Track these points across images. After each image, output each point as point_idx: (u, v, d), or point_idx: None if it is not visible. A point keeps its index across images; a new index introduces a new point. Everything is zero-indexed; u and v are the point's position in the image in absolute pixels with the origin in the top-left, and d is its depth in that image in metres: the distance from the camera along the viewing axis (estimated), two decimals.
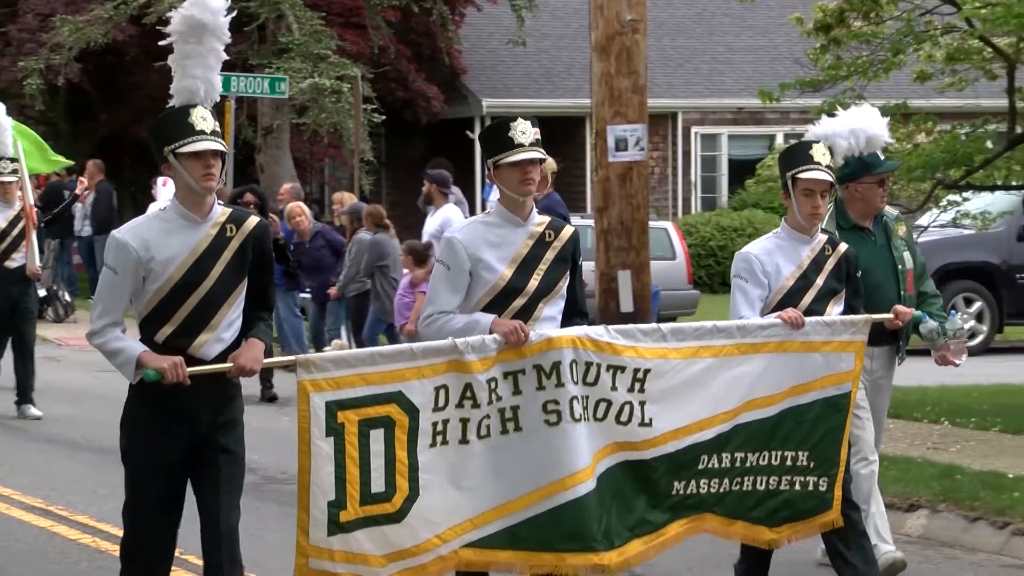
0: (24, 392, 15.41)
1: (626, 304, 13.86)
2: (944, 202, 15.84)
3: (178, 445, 6.87)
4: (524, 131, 7.35)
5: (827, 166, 7.85)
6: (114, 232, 6.88)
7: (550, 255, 7.32)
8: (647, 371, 7.26)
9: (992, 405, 14.58)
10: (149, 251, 6.75)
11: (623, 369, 7.22)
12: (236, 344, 6.92)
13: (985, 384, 16.48)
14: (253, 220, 6.98)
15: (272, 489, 11.94)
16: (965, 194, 16.05)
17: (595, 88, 14.15)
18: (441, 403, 6.96)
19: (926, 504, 10.45)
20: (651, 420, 7.27)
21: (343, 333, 19.32)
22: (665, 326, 7.47)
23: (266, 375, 16.92)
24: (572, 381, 7.09)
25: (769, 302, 7.79)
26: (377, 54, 29.93)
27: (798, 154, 8.03)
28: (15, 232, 15.00)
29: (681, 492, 7.38)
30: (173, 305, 6.78)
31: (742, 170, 29.95)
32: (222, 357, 6.86)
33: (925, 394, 15.49)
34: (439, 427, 6.96)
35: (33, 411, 15.35)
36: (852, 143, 8.41)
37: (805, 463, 7.58)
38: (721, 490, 7.47)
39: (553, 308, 7.32)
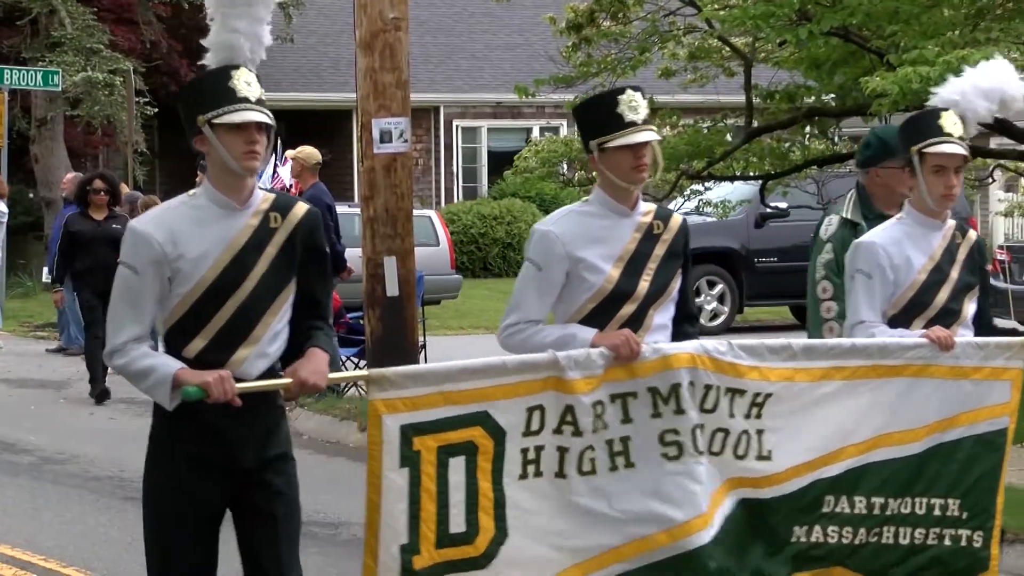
0: None
1: (392, 288, 13.86)
2: (688, 191, 16.13)
3: (219, 487, 5.30)
4: (635, 105, 5.71)
5: (959, 137, 6.38)
6: (133, 222, 5.29)
7: (660, 250, 5.85)
8: (768, 395, 5.87)
9: None
10: (176, 246, 5.16)
11: (742, 393, 5.81)
12: (284, 362, 5.37)
13: None
14: (302, 208, 5.45)
15: (49, 470, 11.73)
16: (707, 184, 16.38)
17: (360, 83, 14.11)
18: (535, 426, 5.56)
19: None
20: (770, 452, 5.86)
21: None
22: (796, 343, 6.01)
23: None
24: (692, 407, 5.69)
25: (897, 300, 6.36)
26: (149, 49, 29.51)
27: (924, 125, 6.45)
28: None
29: (803, 540, 5.96)
30: (206, 313, 5.19)
31: (501, 161, 30.14)
32: (266, 377, 5.28)
33: None
34: (531, 455, 5.56)
35: None
36: (988, 107, 6.61)
37: (956, 513, 6.12)
38: (855, 541, 6.00)
39: (664, 314, 5.86)
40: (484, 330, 22.89)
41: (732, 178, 15.58)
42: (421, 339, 14.42)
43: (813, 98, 14.29)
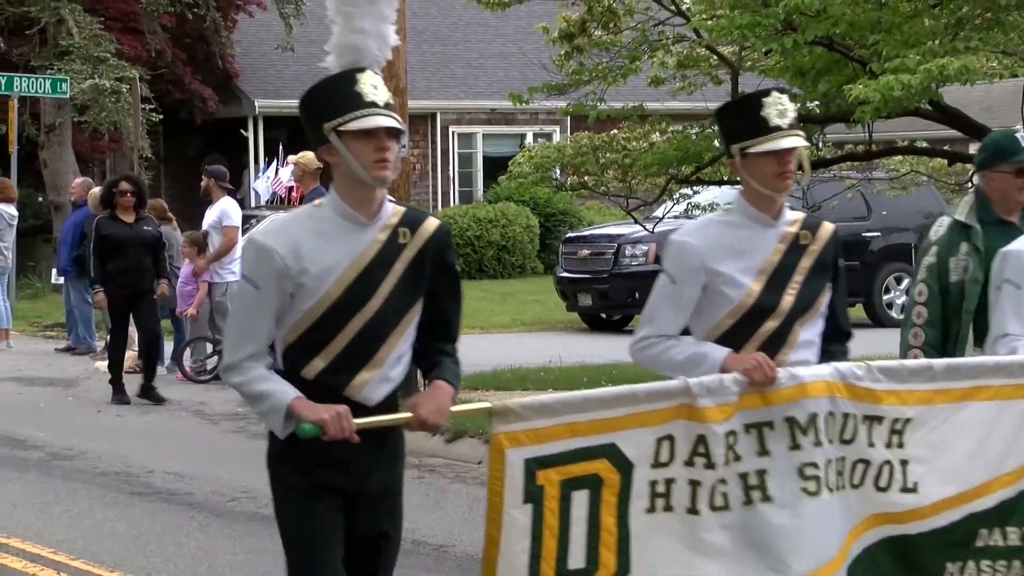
0: None
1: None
2: (677, 195, 16.13)
3: (339, 510, 4.89)
4: (782, 108, 5.23)
5: None
6: (252, 234, 4.87)
7: (807, 262, 5.29)
8: (907, 421, 5.34)
9: None
10: (300, 260, 4.73)
11: (880, 420, 5.31)
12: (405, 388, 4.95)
13: None
14: (432, 223, 4.94)
15: (59, 465, 11.73)
16: (696, 188, 16.38)
17: None
18: (664, 458, 5.11)
19: None
20: (916, 484, 5.32)
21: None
22: (937, 363, 5.52)
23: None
24: (828, 439, 5.21)
25: None
26: (154, 57, 29.50)
27: None
28: None
29: None
30: (328, 332, 4.76)
31: (496, 166, 30.11)
32: (388, 403, 4.85)
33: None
34: (660, 487, 5.10)
35: None
36: None
37: None
38: (1010, 575, 5.46)
39: (811, 330, 5.32)
40: (480, 330, 22.89)
41: (720, 182, 15.57)
42: None
43: (798, 105, 14.30)
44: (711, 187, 16.78)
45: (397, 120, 4.74)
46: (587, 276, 22.78)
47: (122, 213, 15.04)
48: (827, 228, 5.36)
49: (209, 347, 16.96)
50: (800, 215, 5.40)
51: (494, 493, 4.95)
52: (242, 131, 32.39)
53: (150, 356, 15.24)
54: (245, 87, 32.93)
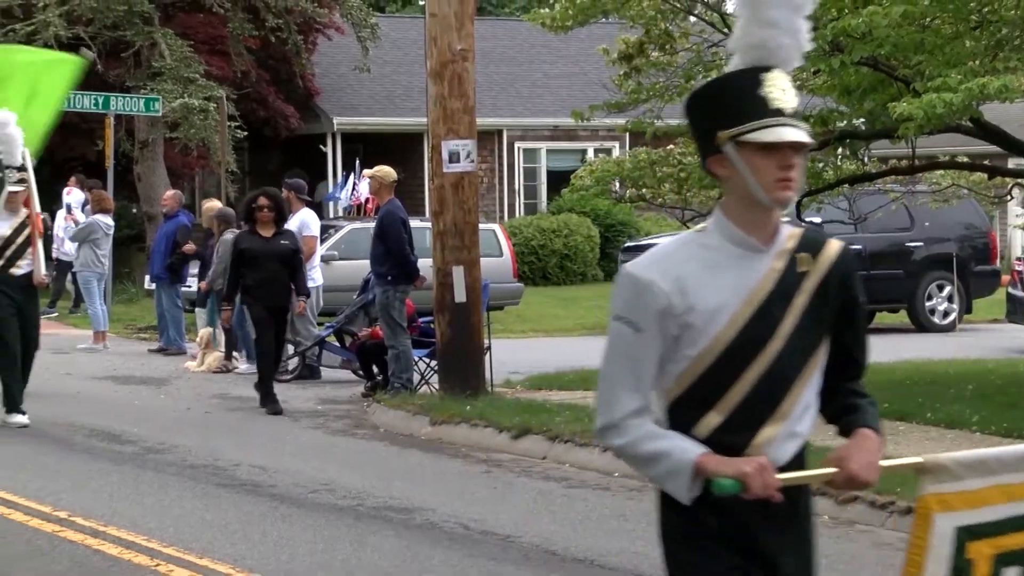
0: (12, 400, 13.18)
1: (460, 295, 13.91)
2: None
3: None
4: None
5: None
6: (629, 267, 3.86)
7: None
8: None
9: None
10: (685, 296, 3.75)
11: None
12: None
13: None
14: (835, 246, 3.89)
15: (151, 459, 11.81)
16: None
17: (431, 108, 14.17)
18: None
19: None
20: None
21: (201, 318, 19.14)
22: None
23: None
24: None
25: None
26: (240, 77, 29.68)
27: None
28: (20, 240, 13.19)
29: None
30: (723, 381, 3.76)
31: (558, 180, 30.11)
32: (797, 462, 3.83)
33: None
34: None
35: (19, 419, 13.08)
36: None
37: None
38: None
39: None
40: (544, 334, 22.91)
41: None
42: (486, 342, 14.44)
43: (845, 122, 14.23)
44: None
45: (807, 132, 3.76)
46: None
47: (261, 228, 14.48)
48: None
49: (290, 349, 17.03)
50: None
51: (913, 563, 4.00)
52: (321, 146, 32.53)
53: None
54: (324, 105, 33.08)
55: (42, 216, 13.75)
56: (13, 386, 13.15)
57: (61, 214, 24.74)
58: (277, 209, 14.57)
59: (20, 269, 13.21)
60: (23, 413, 13.11)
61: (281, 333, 14.75)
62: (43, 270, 13.34)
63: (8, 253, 13.17)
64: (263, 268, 14.29)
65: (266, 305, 14.32)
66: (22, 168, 13.26)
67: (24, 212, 13.30)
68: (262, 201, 14.54)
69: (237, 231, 18.36)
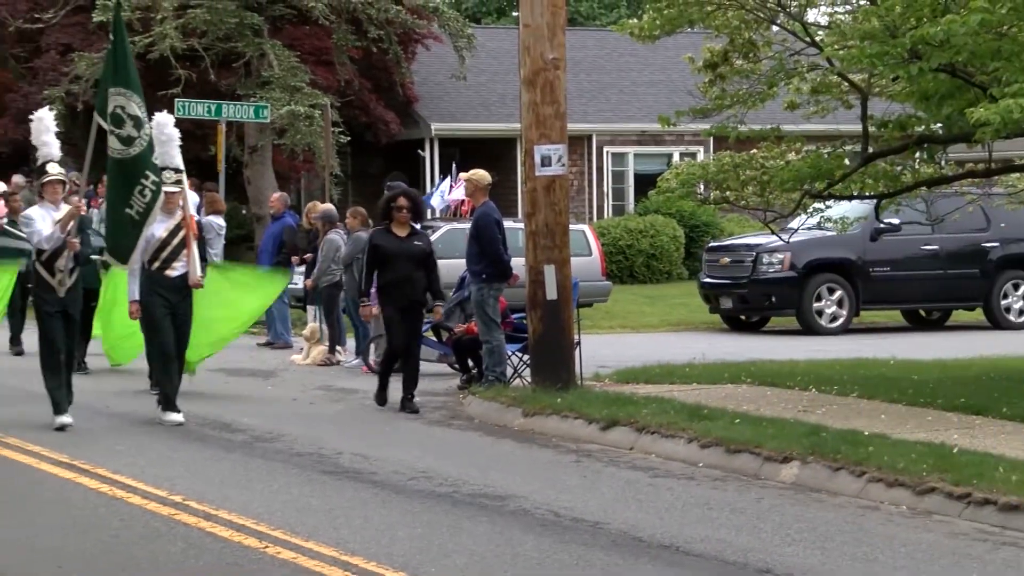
0: (167, 399, 12.99)
1: (551, 293, 13.90)
2: (811, 209, 15.93)
3: None
4: None
5: None
6: None
7: None
8: None
9: (851, 376, 14.70)
10: None
11: None
12: None
13: (845, 358, 16.60)
14: None
15: (260, 447, 11.91)
16: (828, 202, 16.16)
17: (524, 114, 14.17)
18: None
19: (797, 457, 10.52)
20: None
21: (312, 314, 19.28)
22: None
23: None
24: None
25: None
26: (343, 86, 29.87)
27: None
28: (175, 242, 12.88)
29: None
30: None
31: (645, 182, 30.01)
32: None
33: (795, 367, 15.60)
34: None
35: (174, 417, 12.88)
36: None
37: None
38: None
39: None
40: (631, 330, 22.84)
41: (850, 197, 15.35)
42: (576, 337, 14.42)
43: (923, 127, 14.05)
44: (842, 202, 16.55)
45: None
46: (728, 281, 22.62)
47: (396, 227, 13.88)
48: None
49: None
50: None
51: None
52: (419, 151, 32.65)
53: (408, 369, 14.00)
54: (422, 112, 33.19)
55: (196, 219, 13.49)
56: (167, 386, 13.01)
57: None
58: (415, 210, 14.11)
59: (175, 271, 12.93)
60: (178, 411, 12.91)
61: (415, 333, 14.11)
62: (198, 272, 13.01)
63: (164, 255, 12.90)
64: (396, 268, 13.76)
65: (398, 305, 13.78)
66: (178, 170, 13.04)
67: (179, 215, 13.00)
68: (401, 201, 13.93)
69: (341, 230, 18.54)
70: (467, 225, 16.30)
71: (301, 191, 34.27)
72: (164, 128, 13.16)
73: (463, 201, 25.64)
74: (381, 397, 14.14)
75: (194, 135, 27.87)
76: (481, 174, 15.68)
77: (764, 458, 10.64)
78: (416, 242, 13.96)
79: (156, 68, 27.23)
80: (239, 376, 16.84)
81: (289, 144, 27.77)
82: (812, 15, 14.93)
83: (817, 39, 14.14)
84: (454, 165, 28.74)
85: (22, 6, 30.05)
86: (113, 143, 12.98)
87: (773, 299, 22.19)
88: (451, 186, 27.54)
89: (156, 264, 12.96)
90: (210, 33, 27.58)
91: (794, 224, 17.42)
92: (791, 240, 18.80)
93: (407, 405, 13.85)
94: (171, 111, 15.56)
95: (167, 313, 12.94)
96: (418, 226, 14.30)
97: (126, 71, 12.94)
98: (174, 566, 7.93)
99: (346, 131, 28.72)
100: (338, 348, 18.30)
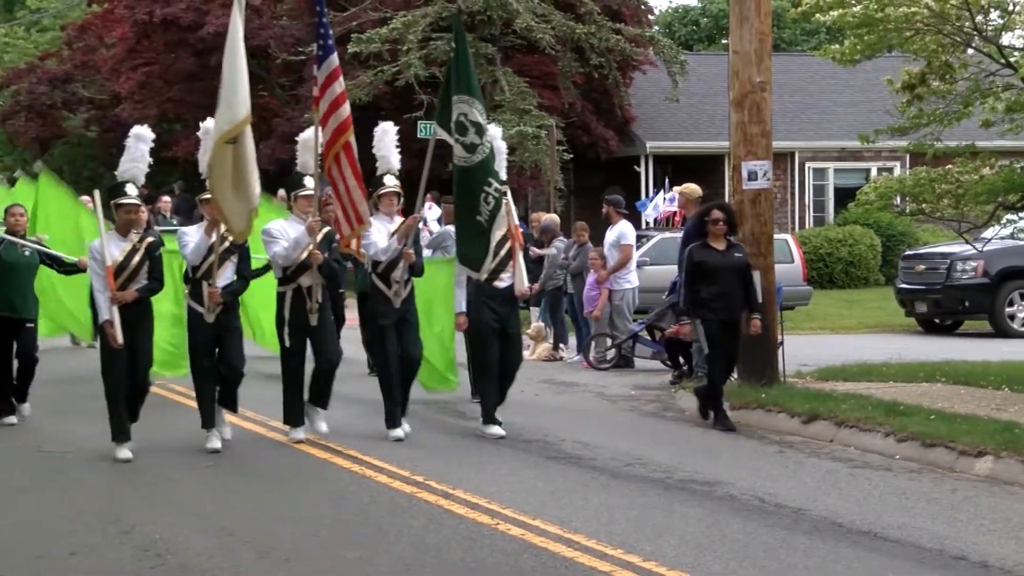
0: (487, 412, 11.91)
1: (757, 297, 13.72)
2: (1004, 220, 15.41)
3: None
4: None
5: None
6: None
7: None
8: None
9: None
10: None
11: None
12: None
13: None
14: None
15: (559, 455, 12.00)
16: (1021, 214, 15.60)
17: (732, 133, 14.03)
18: None
19: (991, 452, 10.17)
20: None
21: (535, 315, 19.40)
22: None
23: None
24: None
25: None
26: (567, 108, 30.03)
27: None
28: (503, 252, 11.77)
29: None
30: None
31: (845, 195, 29.44)
32: None
33: (988, 367, 15.09)
34: None
35: (495, 431, 11.74)
36: None
37: None
38: None
39: None
40: (830, 331, 22.40)
41: None
42: (780, 337, 14.21)
43: None
44: None
45: None
46: (923, 287, 22.05)
47: (713, 241, 12.45)
48: None
49: (608, 341, 17.12)
50: None
51: None
52: (635, 167, 32.61)
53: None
54: (638, 131, 33.16)
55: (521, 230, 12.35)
56: (490, 398, 11.89)
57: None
58: (730, 223, 12.59)
59: (503, 282, 11.77)
60: (499, 423, 11.83)
61: (734, 348, 12.53)
62: (524, 283, 11.85)
63: (492, 265, 11.75)
64: (719, 281, 12.32)
65: (722, 319, 12.27)
66: (503, 181, 11.83)
67: (506, 224, 11.78)
68: (716, 215, 12.52)
69: (564, 241, 18.62)
70: (679, 234, 16.20)
71: (528, 205, 34.58)
72: (496, 140, 12.04)
73: (675, 212, 25.51)
74: (721, 421, 12.41)
75: (435, 154, 28.32)
76: (692, 188, 15.56)
77: (959, 452, 10.31)
78: (736, 254, 12.49)
79: (402, 93, 27.77)
80: None
81: (517, 161, 28.02)
82: (1007, 38, 14.43)
83: (1012, 60, 13.66)
84: (667, 179, 28.62)
85: (288, 39, 31.00)
86: (458, 151, 11.68)
87: (966, 303, 21.54)
88: (664, 199, 27.43)
89: (484, 275, 11.79)
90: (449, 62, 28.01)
91: (987, 234, 16.86)
92: (984, 249, 18.21)
93: (723, 422, 12.37)
94: (414, 132, 15.73)
95: (496, 327, 11.78)
96: (732, 239, 12.67)
97: (468, 77, 11.80)
98: (416, 537, 8.05)
99: (569, 149, 28.87)
100: (561, 345, 18.37)
